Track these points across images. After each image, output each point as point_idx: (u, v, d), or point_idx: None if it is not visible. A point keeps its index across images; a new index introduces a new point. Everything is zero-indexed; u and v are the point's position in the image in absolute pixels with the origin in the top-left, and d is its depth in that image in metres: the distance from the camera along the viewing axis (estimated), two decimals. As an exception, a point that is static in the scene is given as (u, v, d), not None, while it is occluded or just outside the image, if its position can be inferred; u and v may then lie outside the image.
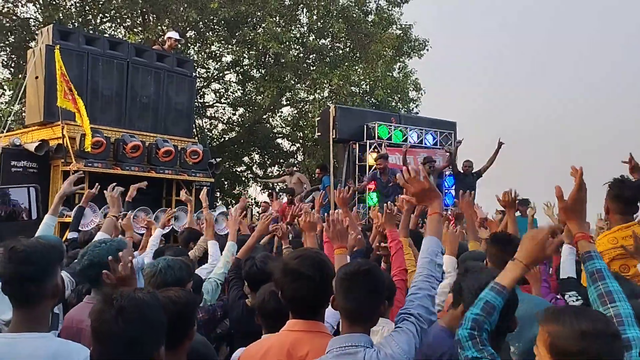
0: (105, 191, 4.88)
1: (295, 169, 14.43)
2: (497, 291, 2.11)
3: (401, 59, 20.30)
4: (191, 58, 17.37)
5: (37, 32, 16.32)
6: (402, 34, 19.51)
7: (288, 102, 20.76)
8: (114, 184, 4.64)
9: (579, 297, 3.24)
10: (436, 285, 2.46)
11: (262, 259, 3.71)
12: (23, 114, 11.37)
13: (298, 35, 18.89)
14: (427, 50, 20.07)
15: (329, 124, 10.76)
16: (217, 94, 21.01)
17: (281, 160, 20.70)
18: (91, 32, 17.35)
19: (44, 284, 2.10)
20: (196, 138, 11.77)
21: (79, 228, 7.43)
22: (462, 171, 10.43)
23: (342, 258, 3.00)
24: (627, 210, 3.60)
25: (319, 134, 11.49)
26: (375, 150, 10.73)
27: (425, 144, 11.55)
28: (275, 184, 15.28)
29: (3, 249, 2.12)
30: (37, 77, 8.74)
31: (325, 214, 4.28)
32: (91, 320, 1.70)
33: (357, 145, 11.02)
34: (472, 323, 2.05)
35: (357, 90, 18.92)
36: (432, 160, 10.37)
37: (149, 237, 5.45)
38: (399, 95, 19.88)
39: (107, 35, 17.93)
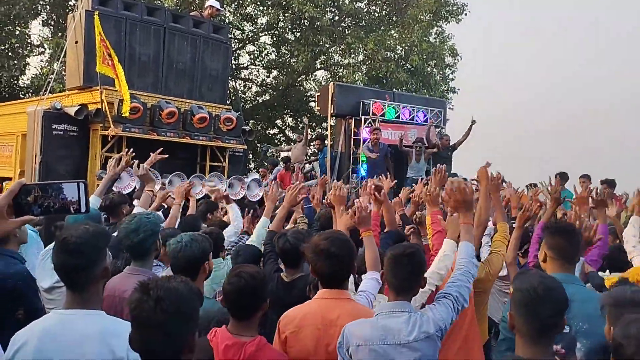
0: (152, 153, 5.00)
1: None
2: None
3: (438, 24, 19.90)
4: (226, 20, 17.38)
5: (76, -9, 16.56)
6: (440, -2, 19.10)
7: (322, 66, 20.66)
8: (136, 162, 4.69)
9: None
10: (471, 280, 2.97)
11: (294, 235, 3.79)
12: (63, 73, 11.61)
13: (334, -3, 18.67)
14: (466, 14, 19.65)
15: (328, 99, 11.47)
16: (252, 56, 21.00)
17: (314, 124, 20.73)
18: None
19: (94, 271, 2.23)
20: (229, 100, 11.93)
21: (115, 190, 7.74)
22: (440, 145, 11.47)
23: (369, 239, 3.32)
24: None
25: (319, 108, 12.30)
26: (370, 125, 11.45)
27: (417, 120, 12.27)
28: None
29: (55, 239, 2.27)
30: (76, 42, 8.91)
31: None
32: (130, 308, 1.83)
33: (353, 120, 11.74)
34: None
35: (392, 56, 18.69)
36: (422, 141, 11.20)
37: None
38: (435, 61, 19.57)
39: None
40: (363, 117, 11.53)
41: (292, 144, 14.09)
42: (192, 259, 3.10)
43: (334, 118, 11.94)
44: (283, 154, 13.56)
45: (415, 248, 2.81)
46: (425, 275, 2.97)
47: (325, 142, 12.31)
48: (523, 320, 2.13)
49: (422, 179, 7.61)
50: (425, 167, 10.95)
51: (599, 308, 2.73)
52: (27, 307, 3.19)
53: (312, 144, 13.77)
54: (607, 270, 4.23)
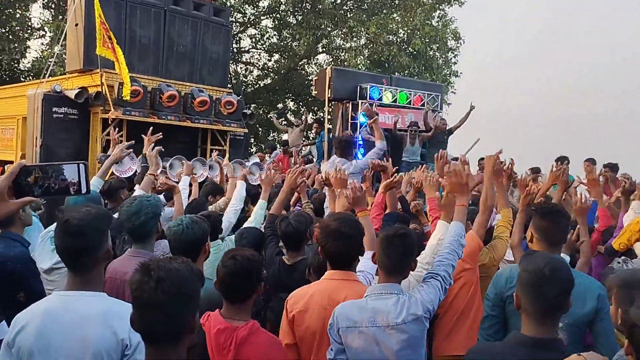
0: (144, 136, 5.04)
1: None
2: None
3: (441, 7, 19.76)
4: (227, 3, 17.25)
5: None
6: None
7: (324, 50, 20.55)
8: (153, 143, 4.74)
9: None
10: (457, 259, 2.98)
11: (296, 218, 3.79)
12: (63, 56, 11.56)
13: (336, -20, 18.53)
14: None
15: (325, 83, 11.37)
16: (253, 40, 20.88)
17: (315, 108, 20.67)
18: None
19: (96, 253, 2.24)
20: (230, 84, 11.91)
21: (116, 174, 7.74)
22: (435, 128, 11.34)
23: (365, 219, 3.34)
24: None
25: (316, 92, 12.15)
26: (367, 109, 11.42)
27: (413, 105, 12.21)
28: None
29: (57, 221, 2.26)
30: (77, 25, 8.85)
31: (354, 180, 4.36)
32: (131, 289, 1.83)
33: (351, 104, 11.66)
34: None
35: (394, 39, 18.57)
36: (416, 125, 11.14)
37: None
38: (438, 45, 19.46)
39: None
40: (360, 101, 11.48)
41: (291, 127, 14.19)
42: (193, 241, 3.11)
43: (332, 102, 11.89)
44: (284, 137, 13.74)
45: (408, 230, 2.81)
46: (422, 259, 2.98)
47: (323, 125, 12.34)
48: (530, 300, 2.16)
49: (421, 164, 7.62)
50: (420, 150, 10.94)
51: (585, 289, 2.79)
52: (28, 290, 3.20)
53: (312, 127, 13.90)
54: None
